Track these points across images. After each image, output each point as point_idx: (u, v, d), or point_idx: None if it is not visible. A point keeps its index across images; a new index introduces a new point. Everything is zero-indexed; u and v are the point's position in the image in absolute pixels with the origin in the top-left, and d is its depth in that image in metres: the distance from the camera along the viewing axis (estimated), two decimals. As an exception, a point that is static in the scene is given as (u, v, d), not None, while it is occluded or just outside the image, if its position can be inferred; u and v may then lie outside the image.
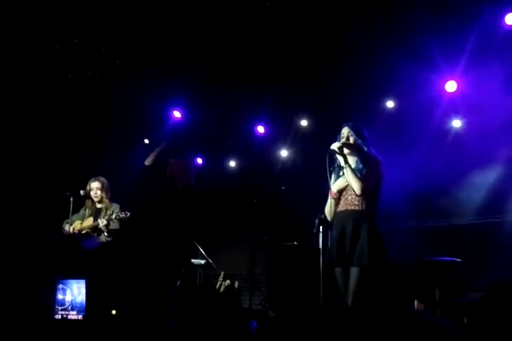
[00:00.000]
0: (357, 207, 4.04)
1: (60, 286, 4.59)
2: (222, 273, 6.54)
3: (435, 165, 6.13)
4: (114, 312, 3.04)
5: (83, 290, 4.35)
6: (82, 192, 5.68)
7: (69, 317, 4.47)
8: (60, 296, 4.59)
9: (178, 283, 4.69)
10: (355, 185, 4.00)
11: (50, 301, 3.98)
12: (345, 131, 4.22)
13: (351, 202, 4.08)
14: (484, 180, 5.91)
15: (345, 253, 3.94)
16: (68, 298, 4.53)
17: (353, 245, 3.94)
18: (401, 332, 2.09)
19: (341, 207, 4.14)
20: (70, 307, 4.48)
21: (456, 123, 6.38)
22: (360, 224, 3.98)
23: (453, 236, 5.75)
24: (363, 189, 3.99)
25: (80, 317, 4.25)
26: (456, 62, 5.97)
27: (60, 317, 4.53)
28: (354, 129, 4.21)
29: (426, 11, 5.59)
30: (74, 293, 4.43)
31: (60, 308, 4.58)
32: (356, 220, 4.00)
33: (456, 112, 6.35)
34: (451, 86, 6.17)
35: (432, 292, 4.61)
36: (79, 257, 4.61)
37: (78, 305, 4.40)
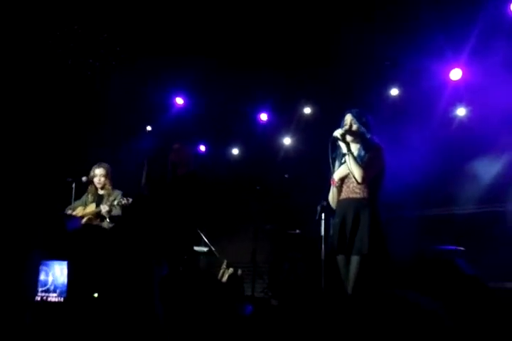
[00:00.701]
0: (358, 195, 4.02)
1: (42, 267, 4.45)
2: (225, 261, 6.55)
3: (439, 153, 6.10)
4: (96, 295, 3.02)
5: (65, 272, 4.20)
6: (84, 178, 5.68)
7: (49, 299, 4.37)
8: (41, 277, 4.44)
9: (181, 269, 4.70)
10: (357, 173, 3.97)
11: (34, 282, 3.93)
12: (348, 117, 4.19)
13: (353, 190, 4.05)
14: (488, 168, 5.88)
15: (346, 241, 3.93)
16: (50, 279, 4.42)
17: (354, 233, 3.92)
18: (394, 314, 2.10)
19: (343, 195, 4.12)
20: (51, 289, 4.35)
21: (461, 111, 6.34)
22: (360, 212, 3.96)
23: (455, 225, 5.73)
24: (364, 177, 3.96)
25: (61, 299, 4.14)
26: (461, 50, 5.93)
27: (39, 298, 4.41)
28: (357, 116, 4.17)
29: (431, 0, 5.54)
30: (56, 274, 4.30)
31: (40, 289, 4.44)
32: (357, 208, 3.98)
33: (460, 100, 6.31)
34: (455, 74, 6.12)
35: (433, 281, 4.61)
36: (62, 238, 4.54)
37: (59, 287, 4.27)
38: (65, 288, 4.00)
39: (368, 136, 4.14)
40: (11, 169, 6.74)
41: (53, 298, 4.17)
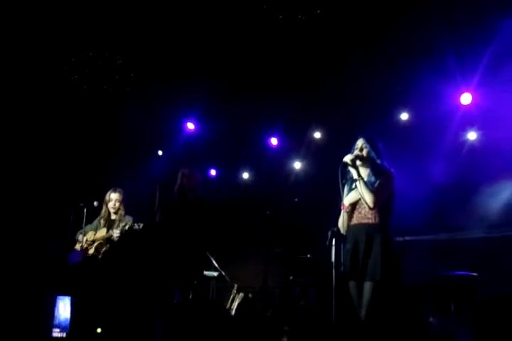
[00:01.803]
0: (370, 221, 4.01)
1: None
2: (236, 285, 6.51)
3: (450, 177, 6.07)
4: (99, 330, 3.00)
5: (68, 308, 4.16)
6: (95, 203, 5.70)
7: (52, 334, 4.28)
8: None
9: (190, 295, 4.68)
10: (368, 198, 3.97)
11: (50, 317, 3.91)
12: (359, 142, 4.21)
13: (364, 215, 4.05)
14: (500, 193, 5.83)
15: (359, 267, 3.90)
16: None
17: (366, 259, 3.90)
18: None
19: (354, 221, 4.10)
20: (55, 324, 4.27)
21: (472, 135, 6.33)
22: (373, 237, 3.95)
23: (467, 250, 5.66)
24: (376, 202, 3.96)
25: (64, 334, 4.09)
26: (472, 74, 5.95)
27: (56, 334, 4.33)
28: (369, 141, 4.18)
29: (442, 23, 5.58)
30: (59, 310, 4.23)
31: None
32: (369, 234, 3.97)
33: (471, 124, 6.30)
34: (466, 98, 6.13)
35: (447, 305, 4.55)
36: (65, 273, 4.51)
37: (63, 322, 4.21)
38: (67, 324, 3.95)
39: (379, 161, 4.14)
40: (27, 196, 6.82)
41: (56, 333, 4.11)
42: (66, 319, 4.07)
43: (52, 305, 3.97)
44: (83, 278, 4.14)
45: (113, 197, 5.65)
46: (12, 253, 5.39)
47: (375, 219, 3.99)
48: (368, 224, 4.01)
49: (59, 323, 4.09)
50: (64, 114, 7.15)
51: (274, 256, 6.54)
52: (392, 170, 4.15)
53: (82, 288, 3.82)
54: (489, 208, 5.83)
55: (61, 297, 4.09)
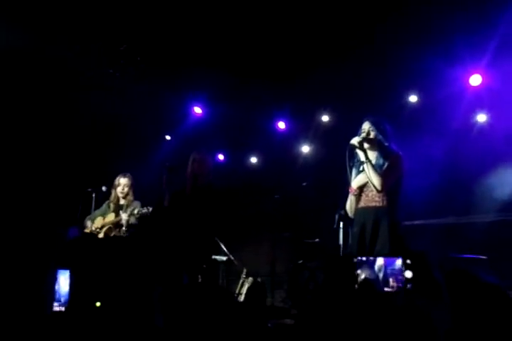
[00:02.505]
0: (377, 204, 4.00)
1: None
2: (245, 270, 6.53)
3: (459, 160, 6.03)
4: (98, 304, 3.00)
5: (67, 282, 4.06)
6: (104, 188, 5.73)
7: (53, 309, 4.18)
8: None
9: (200, 279, 4.70)
10: (376, 181, 3.95)
11: (51, 293, 3.90)
12: (365, 125, 4.17)
13: (372, 198, 4.04)
14: (509, 175, 5.79)
15: (366, 248, 3.90)
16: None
17: (374, 240, 3.91)
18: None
19: (362, 204, 4.10)
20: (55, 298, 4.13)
21: (481, 117, 6.26)
22: (380, 220, 3.95)
23: (476, 234, 5.64)
24: (383, 185, 3.94)
25: (62, 308, 4.06)
26: (481, 56, 5.86)
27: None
28: (375, 124, 4.15)
29: (450, 4, 5.49)
30: (59, 283, 4.11)
31: None
32: (377, 217, 3.97)
33: (481, 106, 6.23)
34: (475, 79, 6.06)
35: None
36: (65, 247, 4.51)
37: (62, 297, 4.09)
38: (66, 298, 3.90)
39: (386, 143, 4.11)
40: (35, 182, 6.86)
41: (56, 307, 4.04)
42: (66, 293, 3.97)
43: (53, 282, 3.94)
44: (83, 252, 4.13)
45: (122, 182, 5.65)
46: (19, 234, 5.44)
47: (382, 202, 3.99)
48: (375, 207, 4.00)
49: (59, 297, 4.04)
50: (71, 100, 7.14)
51: (282, 240, 6.56)
52: (401, 152, 4.12)
53: (82, 261, 3.82)
54: (499, 191, 5.80)
55: (62, 271, 4.03)
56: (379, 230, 3.92)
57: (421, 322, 2.16)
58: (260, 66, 6.80)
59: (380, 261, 3.50)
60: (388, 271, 3.30)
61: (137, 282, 3.10)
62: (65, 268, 3.97)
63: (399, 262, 3.28)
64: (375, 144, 4.12)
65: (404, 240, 3.91)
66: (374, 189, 3.99)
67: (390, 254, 3.74)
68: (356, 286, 3.20)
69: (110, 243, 4.82)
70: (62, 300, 3.93)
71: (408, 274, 3.20)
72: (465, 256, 4.83)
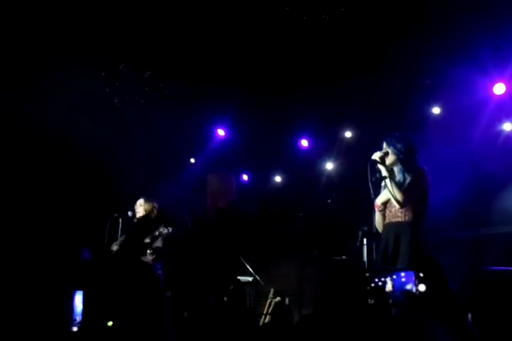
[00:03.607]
0: (400, 219, 3.98)
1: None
2: (272, 289, 6.48)
3: (486, 171, 5.90)
4: (110, 323, 3.01)
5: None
6: (130, 213, 5.78)
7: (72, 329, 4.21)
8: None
9: (226, 300, 4.67)
10: (398, 197, 3.93)
11: (70, 312, 3.94)
12: (384, 146, 4.15)
13: (395, 214, 4.02)
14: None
15: (388, 262, 3.84)
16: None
17: (395, 255, 3.85)
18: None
19: (386, 220, 4.09)
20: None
21: (507, 126, 6.14)
22: (401, 235, 3.92)
23: (499, 246, 5.48)
24: (405, 201, 3.92)
25: (75, 328, 4.07)
26: (505, 64, 5.77)
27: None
28: (391, 143, 4.11)
29: (475, 13, 5.44)
30: (75, 304, 4.21)
31: None
32: (398, 233, 3.95)
33: (506, 115, 6.11)
34: (499, 88, 5.96)
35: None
36: (77, 269, 4.55)
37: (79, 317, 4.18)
38: (79, 318, 3.94)
39: (407, 159, 4.06)
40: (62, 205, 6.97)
41: (75, 327, 4.08)
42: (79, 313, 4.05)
43: (71, 302, 3.99)
44: (96, 272, 4.17)
45: (137, 204, 5.70)
46: (42, 256, 5.53)
47: (404, 218, 3.95)
48: (397, 223, 3.98)
49: (75, 317, 4.08)
50: (98, 127, 7.26)
51: (309, 259, 6.49)
52: (425, 167, 4.06)
53: (94, 283, 3.85)
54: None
55: (79, 291, 4.08)
56: (400, 246, 3.87)
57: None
58: (281, 84, 6.83)
59: (392, 275, 3.44)
60: (400, 285, 3.23)
61: (149, 302, 3.11)
62: (79, 288, 4.01)
63: (411, 276, 3.21)
64: (395, 161, 4.07)
65: (422, 254, 3.82)
66: (396, 204, 3.94)
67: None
68: (369, 301, 3.15)
69: (128, 265, 4.85)
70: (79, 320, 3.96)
71: (422, 288, 3.12)
72: (499, 268, 4.68)
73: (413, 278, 3.12)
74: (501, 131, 6.16)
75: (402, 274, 3.17)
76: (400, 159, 4.07)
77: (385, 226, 4.08)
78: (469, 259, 5.40)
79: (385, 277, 3.27)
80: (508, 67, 5.84)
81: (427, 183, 4.04)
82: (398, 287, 3.19)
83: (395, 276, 3.22)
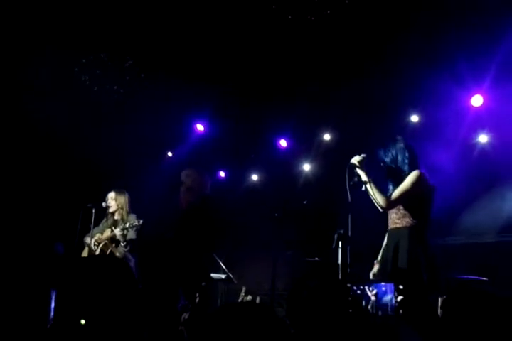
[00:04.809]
0: (397, 225, 3.92)
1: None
2: (244, 288, 6.49)
3: (461, 180, 6.00)
4: (83, 321, 2.96)
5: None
6: (103, 204, 5.71)
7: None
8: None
9: (197, 297, 4.66)
10: (379, 200, 3.87)
11: (48, 311, 3.87)
12: (380, 156, 4.12)
13: (393, 220, 3.97)
14: (509, 196, 5.76)
15: (387, 271, 3.84)
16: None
17: (395, 261, 3.81)
18: None
19: (388, 226, 4.05)
20: None
21: (483, 138, 6.26)
22: (399, 242, 3.86)
23: (477, 254, 5.59)
24: (388, 203, 3.86)
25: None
26: (483, 77, 5.88)
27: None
28: (383, 151, 4.11)
29: (452, 26, 5.54)
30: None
31: None
32: (397, 239, 3.89)
33: (482, 127, 6.23)
34: (477, 100, 6.07)
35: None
36: (49, 265, 4.50)
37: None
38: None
39: (394, 162, 4.04)
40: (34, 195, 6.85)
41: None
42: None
43: (49, 300, 3.92)
44: (69, 270, 4.11)
45: (108, 196, 5.67)
46: (16, 251, 5.42)
47: (402, 224, 3.89)
48: (396, 229, 3.93)
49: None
50: (73, 115, 7.15)
51: (283, 259, 6.51)
52: (423, 170, 3.96)
53: (66, 279, 3.79)
54: (500, 212, 5.76)
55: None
56: (398, 254, 3.82)
57: None
58: (262, 84, 6.84)
59: (373, 287, 3.49)
60: (381, 296, 3.27)
61: (123, 299, 3.08)
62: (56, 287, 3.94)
63: (391, 287, 3.24)
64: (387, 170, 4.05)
65: (420, 265, 3.79)
66: (394, 210, 3.89)
67: (407, 284, 3.67)
68: (349, 311, 3.17)
69: (97, 261, 4.79)
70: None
71: (399, 299, 3.17)
72: (467, 277, 4.78)
73: (393, 289, 3.15)
74: (477, 143, 6.27)
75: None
76: (388, 169, 4.04)
77: (388, 232, 4.05)
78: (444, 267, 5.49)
79: (366, 288, 3.29)
80: (485, 80, 5.94)
81: (425, 187, 3.91)
82: (380, 297, 3.22)
83: (376, 288, 3.26)
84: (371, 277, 4.10)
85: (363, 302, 3.52)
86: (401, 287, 3.13)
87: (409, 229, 3.86)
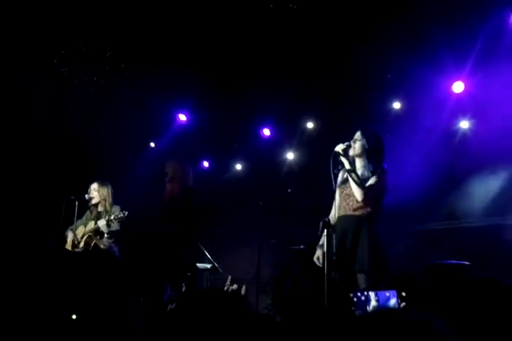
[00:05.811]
0: (358, 213, 3.99)
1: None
2: (230, 277, 6.50)
3: (442, 166, 6.06)
4: (74, 316, 2.96)
5: None
6: (86, 196, 5.66)
7: None
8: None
9: (184, 286, 4.68)
10: (357, 192, 3.97)
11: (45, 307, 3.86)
12: (357, 134, 4.16)
13: (352, 207, 4.02)
14: (492, 181, 5.83)
15: (346, 259, 3.88)
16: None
17: (354, 252, 3.89)
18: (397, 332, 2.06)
19: (342, 212, 4.08)
20: None
21: (464, 124, 6.30)
22: (360, 230, 3.95)
23: (457, 239, 5.67)
24: (365, 197, 3.95)
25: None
26: (464, 63, 5.92)
27: None
28: (366, 136, 4.14)
29: (434, 12, 5.55)
30: None
31: None
32: (357, 226, 3.97)
33: (463, 113, 6.27)
34: (458, 87, 6.11)
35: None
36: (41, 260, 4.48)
37: None
38: None
39: (375, 155, 4.09)
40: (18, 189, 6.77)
41: None
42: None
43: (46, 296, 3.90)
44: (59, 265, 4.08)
45: (90, 188, 5.62)
46: (5, 248, 5.37)
47: (362, 212, 3.99)
48: (355, 216, 4.00)
49: None
50: (53, 107, 7.06)
51: (268, 247, 6.55)
52: (385, 165, 4.11)
53: (56, 274, 3.77)
54: (481, 197, 5.83)
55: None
56: (359, 240, 3.91)
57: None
58: (245, 73, 6.81)
59: (375, 296, 3.50)
60: (384, 302, 3.28)
61: (115, 291, 3.07)
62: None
63: (394, 296, 3.25)
64: (360, 153, 4.11)
65: (382, 254, 3.90)
66: (355, 198, 3.98)
67: (370, 272, 3.72)
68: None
69: (83, 255, 4.77)
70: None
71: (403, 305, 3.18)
72: (448, 262, 4.84)
73: (396, 295, 3.16)
74: (458, 129, 6.31)
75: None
76: (368, 153, 4.09)
77: (342, 218, 4.07)
78: (425, 250, 5.55)
79: (368, 297, 3.30)
80: (466, 66, 5.97)
81: (386, 182, 4.09)
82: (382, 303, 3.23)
83: (376, 297, 3.26)
84: (315, 261, 4.11)
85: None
86: (404, 294, 3.18)
87: (369, 217, 3.99)
